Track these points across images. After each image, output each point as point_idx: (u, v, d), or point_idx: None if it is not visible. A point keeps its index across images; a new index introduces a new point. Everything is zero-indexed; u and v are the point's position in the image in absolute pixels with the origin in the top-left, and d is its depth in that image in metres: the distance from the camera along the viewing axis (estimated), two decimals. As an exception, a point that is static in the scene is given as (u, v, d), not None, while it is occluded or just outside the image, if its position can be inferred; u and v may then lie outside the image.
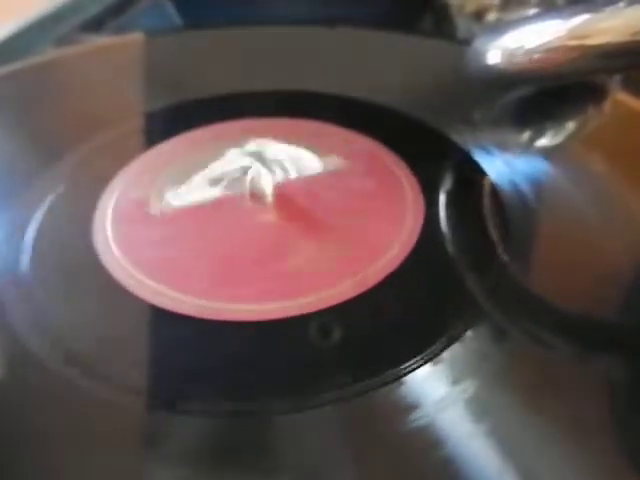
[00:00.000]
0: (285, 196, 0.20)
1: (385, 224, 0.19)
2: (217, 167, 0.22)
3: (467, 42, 0.24)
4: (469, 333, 0.16)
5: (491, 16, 0.29)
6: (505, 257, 0.18)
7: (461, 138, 0.22)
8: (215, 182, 0.21)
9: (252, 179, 0.20)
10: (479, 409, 0.14)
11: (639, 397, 0.15)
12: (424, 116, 0.23)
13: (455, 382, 0.15)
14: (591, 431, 0.14)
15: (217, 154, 0.22)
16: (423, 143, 0.23)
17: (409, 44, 0.28)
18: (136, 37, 0.29)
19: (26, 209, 0.20)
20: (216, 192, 0.21)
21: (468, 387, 0.15)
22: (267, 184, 0.20)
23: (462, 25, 0.30)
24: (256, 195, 0.20)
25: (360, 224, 0.19)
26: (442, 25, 0.32)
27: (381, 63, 0.27)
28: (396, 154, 0.22)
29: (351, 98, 0.25)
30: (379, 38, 0.29)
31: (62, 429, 0.14)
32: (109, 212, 0.20)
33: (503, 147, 0.22)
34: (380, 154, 0.22)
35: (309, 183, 0.21)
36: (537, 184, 0.21)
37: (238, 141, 0.23)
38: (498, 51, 0.22)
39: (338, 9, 0.30)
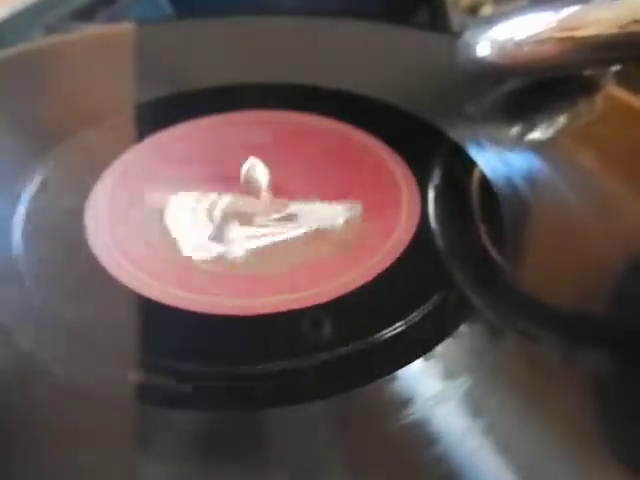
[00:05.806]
0: (281, 189, 0.20)
1: (379, 220, 0.19)
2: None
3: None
4: (463, 329, 0.16)
5: (486, 10, 0.28)
6: (498, 254, 0.18)
7: (454, 131, 0.22)
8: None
9: (247, 171, 0.20)
10: (473, 405, 0.14)
11: (633, 393, 0.15)
12: (417, 109, 0.23)
13: (449, 378, 0.15)
14: (585, 427, 0.14)
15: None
16: (416, 136, 0.23)
17: (403, 38, 0.28)
18: (127, 26, 0.29)
19: (17, 198, 0.20)
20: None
21: (462, 383, 0.15)
22: (262, 176, 0.20)
23: (457, 19, 0.30)
24: (251, 187, 0.20)
25: (354, 219, 0.19)
26: (437, 19, 0.32)
27: (375, 56, 0.27)
28: (388, 146, 0.22)
29: (345, 91, 0.25)
30: (373, 31, 0.29)
31: (56, 425, 0.14)
32: (102, 203, 0.20)
33: (494, 140, 0.22)
34: (373, 147, 0.22)
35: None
36: (530, 179, 0.21)
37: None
38: (488, 43, 0.22)
39: (333, 2, 0.30)
